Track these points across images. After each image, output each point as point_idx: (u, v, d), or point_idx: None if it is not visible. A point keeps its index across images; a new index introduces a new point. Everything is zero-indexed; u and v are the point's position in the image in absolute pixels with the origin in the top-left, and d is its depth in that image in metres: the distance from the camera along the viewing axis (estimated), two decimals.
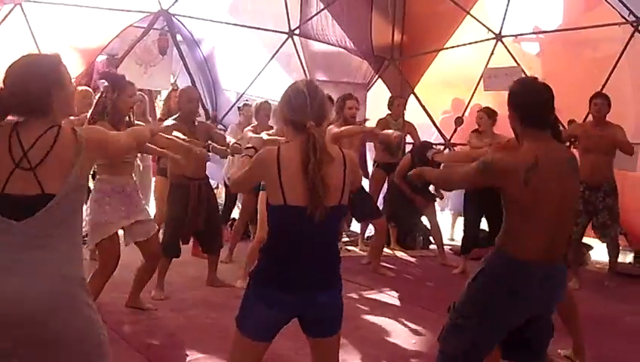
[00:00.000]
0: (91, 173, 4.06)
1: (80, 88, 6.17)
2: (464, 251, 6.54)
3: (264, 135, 5.92)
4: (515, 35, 8.45)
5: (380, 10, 8.64)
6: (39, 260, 2.00)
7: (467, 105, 8.68)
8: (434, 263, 7.03)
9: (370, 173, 7.47)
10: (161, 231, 6.11)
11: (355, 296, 5.27)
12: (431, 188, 7.00)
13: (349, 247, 7.57)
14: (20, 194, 1.99)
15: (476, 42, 8.34)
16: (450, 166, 2.92)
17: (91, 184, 4.47)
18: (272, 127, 5.66)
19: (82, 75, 7.12)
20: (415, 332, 4.55)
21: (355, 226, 8.03)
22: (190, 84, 7.86)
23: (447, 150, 8.42)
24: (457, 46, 8.59)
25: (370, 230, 7.18)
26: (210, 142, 5.21)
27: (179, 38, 8.18)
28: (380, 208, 6.75)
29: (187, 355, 3.82)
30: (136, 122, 4.46)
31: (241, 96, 8.48)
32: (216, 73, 8.59)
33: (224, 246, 5.69)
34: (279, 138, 5.33)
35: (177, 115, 5.16)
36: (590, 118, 6.10)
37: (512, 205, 2.58)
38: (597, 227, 5.92)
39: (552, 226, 2.55)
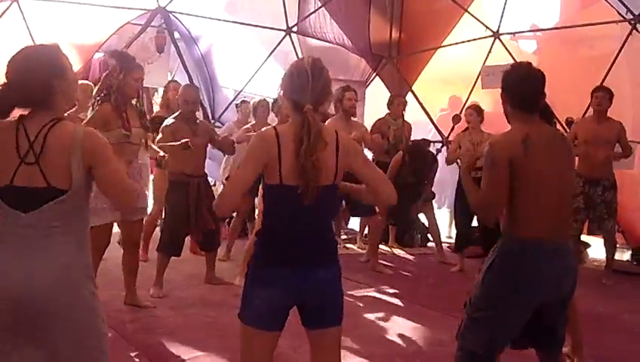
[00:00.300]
0: None
1: (80, 82, 6.16)
2: (458, 249, 6.56)
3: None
4: (513, 33, 8.46)
5: (377, 8, 8.65)
6: (45, 248, 2.05)
7: (465, 103, 8.67)
8: (432, 261, 7.04)
9: None
10: (158, 227, 6.13)
11: (353, 293, 5.26)
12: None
13: (348, 245, 7.57)
14: (27, 186, 2.03)
15: (474, 40, 8.34)
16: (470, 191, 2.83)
17: None
18: (270, 125, 5.64)
19: (79, 72, 7.10)
20: (414, 329, 4.55)
21: (353, 224, 8.04)
22: (188, 82, 7.86)
23: (444, 148, 8.43)
24: (455, 44, 8.60)
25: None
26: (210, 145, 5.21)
27: (176, 35, 8.18)
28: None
29: (186, 353, 3.80)
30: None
31: (239, 93, 8.46)
32: (214, 70, 8.59)
33: (222, 244, 5.68)
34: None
35: (178, 112, 5.14)
36: (590, 113, 6.10)
37: (514, 186, 2.59)
38: (593, 220, 5.92)
39: (557, 199, 2.60)
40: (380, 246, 6.82)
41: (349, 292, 5.16)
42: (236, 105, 7.53)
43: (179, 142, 4.76)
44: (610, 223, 5.94)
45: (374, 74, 9.16)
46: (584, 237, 6.53)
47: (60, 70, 2.13)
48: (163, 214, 5.51)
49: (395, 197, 2.45)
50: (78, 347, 2.08)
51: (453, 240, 7.94)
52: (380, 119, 7.16)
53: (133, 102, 4.38)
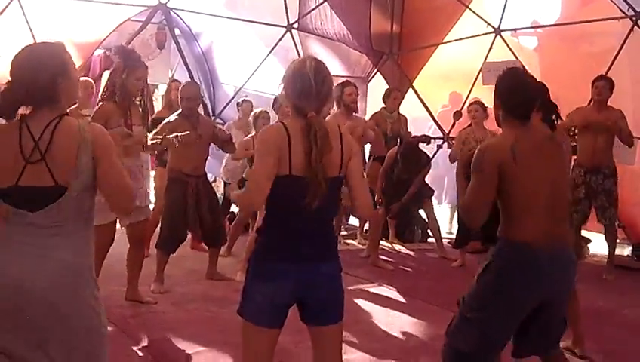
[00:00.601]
0: None
1: (81, 79, 6.17)
2: (459, 245, 6.56)
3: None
4: (514, 30, 8.45)
5: (378, 4, 8.63)
6: (50, 247, 2.05)
7: (466, 99, 8.66)
8: (433, 256, 7.05)
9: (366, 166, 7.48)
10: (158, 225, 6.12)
11: (354, 289, 5.27)
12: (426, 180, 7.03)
13: (348, 241, 7.58)
14: (33, 185, 2.03)
15: (475, 36, 8.33)
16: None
17: None
18: None
19: (80, 68, 7.10)
20: (414, 324, 4.56)
21: (354, 220, 8.04)
22: (189, 78, 7.86)
23: (445, 144, 8.43)
24: (456, 40, 8.58)
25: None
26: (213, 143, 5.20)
27: (177, 32, 8.17)
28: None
29: (187, 349, 3.82)
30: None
31: (239, 90, 8.46)
32: (214, 67, 8.58)
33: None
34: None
35: (180, 110, 5.14)
36: (592, 102, 6.09)
37: (506, 190, 2.59)
38: (596, 209, 5.92)
39: (549, 202, 2.59)
40: (381, 242, 6.83)
41: (350, 288, 5.16)
42: (237, 103, 7.53)
43: (166, 137, 4.74)
44: (612, 211, 5.92)
45: (375, 70, 9.16)
46: (585, 233, 6.53)
47: (64, 68, 2.14)
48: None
49: (370, 213, 2.51)
50: (76, 353, 2.08)
51: (453, 236, 7.96)
52: (375, 113, 7.17)
53: (138, 101, 4.39)
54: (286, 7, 8.30)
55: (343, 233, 7.73)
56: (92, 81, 6.16)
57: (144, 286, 4.76)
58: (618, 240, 6.42)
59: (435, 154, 8.31)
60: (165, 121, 5.07)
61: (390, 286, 5.58)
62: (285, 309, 2.38)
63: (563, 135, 4.56)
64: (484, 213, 2.62)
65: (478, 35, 8.27)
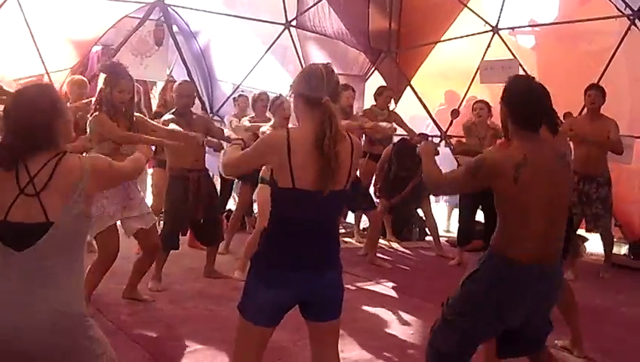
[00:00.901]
0: None
1: (75, 77, 6.17)
2: (460, 244, 6.57)
3: (245, 121, 5.96)
4: (512, 28, 8.46)
5: (377, 2, 8.63)
6: (39, 294, 1.97)
7: (463, 98, 8.69)
8: (430, 254, 7.06)
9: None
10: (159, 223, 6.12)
11: (352, 287, 5.28)
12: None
13: (346, 239, 7.57)
14: (22, 222, 1.97)
15: (473, 35, 8.34)
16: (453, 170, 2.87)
17: None
18: (269, 119, 5.63)
19: (77, 65, 7.09)
20: (412, 322, 4.57)
21: (351, 218, 8.05)
22: (186, 76, 7.85)
23: (442, 142, 8.44)
24: (454, 38, 8.59)
25: (365, 221, 7.20)
26: (208, 137, 5.18)
27: (175, 28, 8.15)
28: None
29: (185, 347, 3.82)
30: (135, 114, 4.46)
31: (238, 87, 8.45)
32: (212, 64, 8.57)
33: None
34: (261, 125, 5.38)
35: (174, 109, 5.14)
36: (585, 110, 6.11)
37: (503, 205, 2.58)
38: (590, 217, 5.94)
39: (545, 225, 2.54)
40: (378, 240, 6.83)
41: (347, 286, 5.11)
42: (234, 98, 7.54)
43: (192, 134, 4.74)
44: (606, 219, 5.96)
45: (373, 68, 9.16)
46: (582, 232, 6.55)
47: (60, 111, 2.14)
48: (163, 209, 5.50)
49: (376, 219, 2.57)
50: None
51: (451, 234, 7.98)
52: (366, 110, 7.19)
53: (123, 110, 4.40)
54: (284, 5, 8.30)
55: (341, 231, 7.73)
56: (86, 80, 6.14)
57: (142, 284, 4.75)
58: (615, 239, 6.43)
59: None
60: (162, 120, 5.06)
61: (387, 284, 5.59)
62: (286, 311, 2.43)
63: (566, 140, 4.58)
64: (448, 195, 2.68)
65: (476, 34, 8.28)
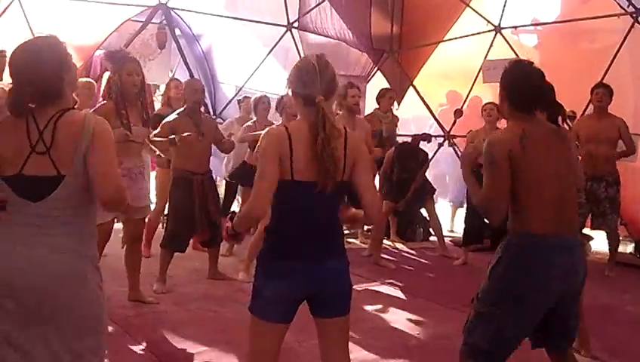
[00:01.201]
0: None
1: (83, 79, 6.18)
2: (466, 244, 6.55)
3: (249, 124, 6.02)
4: (514, 27, 8.44)
5: (379, 3, 8.63)
6: (54, 237, 2.07)
7: (466, 97, 8.67)
8: (434, 255, 7.05)
9: None
10: (161, 224, 6.13)
11: (356, 288, 5.20)
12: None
13: (350, 240, 7.57)
14: (36, 175, 2.05)
15: (475, 34, 8.33)
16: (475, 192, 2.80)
17: None
18: (271, 123, 5.62)
19: (81, 69, 7.10)
20: (417, 323, 4.55)
21: None
22: (189, 78, 7.86)
23: (446, 142, 8.43)
24: (456, 38, 8.59)
25: None
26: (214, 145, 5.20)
27: (177, 32, 8.17)
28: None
29: (190, 348, 3.81)
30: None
31: (240, 89, 8.47)
32: (215, 67, 8.59)
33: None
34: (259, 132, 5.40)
35: (182, 108, 5.12)
36: (590, 108, 6.09)
37: (515, 182, 2.58)
38: (596, 216, 5.92)
39: (555, 193, 2.57)
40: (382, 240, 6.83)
41: (352, 286, 5.16)
42: (238, 101, 7.54)
43: (166, 139, 4.75)
44: (614, 218, 5.94)
45: (376, 68, 9.15)
46: (587, 231, 6.52)
47: (64, 61, 2.17)
48: (166, 210, 5.51)
49: (378, 212, 2.51)
50: (76, 343, 2.09)
51: (455, 234, 7.96)
52: (369, 114, 7.14)
53: (139, 100, 4.40)
54: (286, 7, 8.31)
55: (345, 232, 7.70)
56: (94, 81, 6.16)
57: (146, 286, 4.76)
58: (620, 238, 6.41)
59: (436, 152, 8.32)
60: (166, 120, 5.05)
61: (392, 285, 5.59)
62: (294, 305, 2.40)
63: (574, 144, 4.55)
64: (504, 206, 2.59)
65: (479, 33, 8.27)
